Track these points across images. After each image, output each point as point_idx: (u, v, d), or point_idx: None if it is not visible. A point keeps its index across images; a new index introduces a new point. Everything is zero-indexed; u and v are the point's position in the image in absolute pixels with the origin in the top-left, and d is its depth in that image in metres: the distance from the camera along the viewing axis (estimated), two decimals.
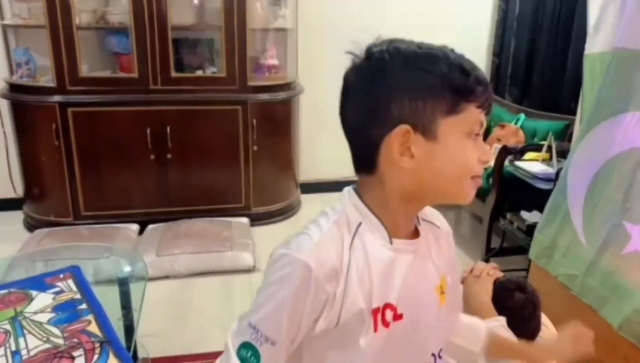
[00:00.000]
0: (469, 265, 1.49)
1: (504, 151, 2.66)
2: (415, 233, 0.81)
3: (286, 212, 3.49)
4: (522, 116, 3.30)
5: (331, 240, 0.73)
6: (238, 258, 2.77)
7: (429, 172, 0.72)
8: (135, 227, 3.07)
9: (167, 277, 2.61)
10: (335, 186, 3.84)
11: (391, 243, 0.76)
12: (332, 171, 3.87)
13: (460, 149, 0.71)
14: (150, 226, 3.06)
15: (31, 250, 2.70)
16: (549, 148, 2.63)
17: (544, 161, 2.64)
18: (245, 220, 3.21)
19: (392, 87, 0.71)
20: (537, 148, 2.75)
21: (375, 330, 0.74)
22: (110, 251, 2.36)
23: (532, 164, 2.60)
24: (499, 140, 3.19)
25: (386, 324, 0.75)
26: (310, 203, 3.69)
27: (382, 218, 0.76)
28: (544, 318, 1.46)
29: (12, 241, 2.88)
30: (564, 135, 2.87)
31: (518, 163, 2.65)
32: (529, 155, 2.75)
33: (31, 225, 3.17)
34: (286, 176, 3.48)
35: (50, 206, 3.12)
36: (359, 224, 0.75)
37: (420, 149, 0.71)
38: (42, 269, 1.92)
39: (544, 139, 2.91)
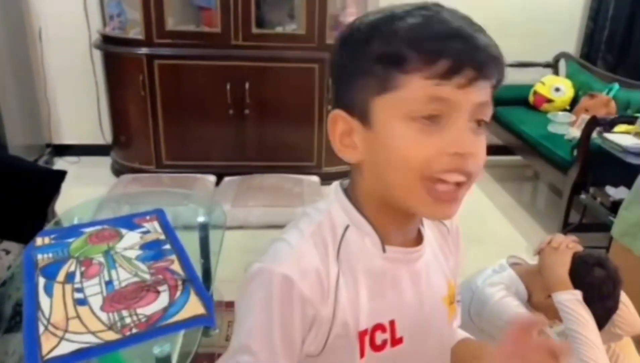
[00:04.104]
0: (544, 239, 1.45)
1: (593, 122, 2.51)
2: (418, 240, 0.67)
3: None
4: (616, 85, 3.07)
5: (315, 247, 0.60)
6: None
7: (374, 169, 0.59)
8: (212, 178, 3.21)
9: (240, 227, 2.72)
10: None
11: (384, 251, 0.62)
12: None
13: (396, 137, 0.55)
14: (227, 179, 3.19)
15: (118, 193, 2.90)
16: None
17: (636, 134, 2.47)
18: (315, 179, 3.26)
19: (333, 65, 0.61)
20: (631, 121, 2.57)
21: (362, 355, 0.61)
22: (189, 198, 2.49)
23: (623, 137, 2.43)
24: (586, 110, 3.01)
25: (377, 348, 0.62)
26: None
27: (373, 220, 0.62)
28: (624, 298, 1.40)
29: (100, 184, 3.10)
30: None
31: (607, 135, 2.49)
32: (620, 128, 2.57)
33: (117, 170, 3.39)
34: None
35: (135, 153, 3.31)
36: (346, 227, 0.62)
37: (362, 139, 0.59)
38: (127, 211, 2.06)
39: (639, 111, 2.71)
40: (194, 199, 2.49)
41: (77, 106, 3.56)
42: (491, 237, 2.82)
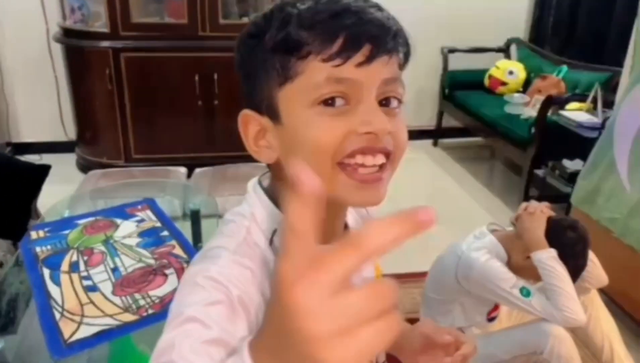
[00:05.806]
0: (505, 213, 1.59)
1: (549, 101, 2.70)
2: (344, 232, 0.64)
3: None
4: (565, 67, 3.30)
5: (247, 251, 0.56)
6: None
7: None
8: (183, 170, 3.21)
9: (220, 216, 2.75)
10: None
11: None
12: None
13: (305, 126, 0.52)
14: (198, 170, 3.19)
15: (91, 188, 2.86)
16: (594, 98, 2.66)
17: (587, 111, 2.68)
18: None
19: (237, 64, 0.58)
20: (582, 99, 2.79)
21: None
22: (165, 190, 2.50)
23: (578, 114, 2.64)
24: (539, 91, 3.22)
25: None
26: None
27: None
28: (592, 256, 1.57)
29: (67, 182, 3.02)
30: (608, 86, 2.88)
31: (563, 113, 2.70)
32: (572, 105, 2.78)
33: (84, 166, 3.33)
34: None
35: (102, 148, 3.27)
36: (274, 232, 0.57)
37: (275, 137, 0.56)
38: (103, 206, 2.06)
39: (586, 90, 2.93)
40: (169, 191, 2.50)
41: (36, 102, 3.46)
42: (457, 214, 2.97)
